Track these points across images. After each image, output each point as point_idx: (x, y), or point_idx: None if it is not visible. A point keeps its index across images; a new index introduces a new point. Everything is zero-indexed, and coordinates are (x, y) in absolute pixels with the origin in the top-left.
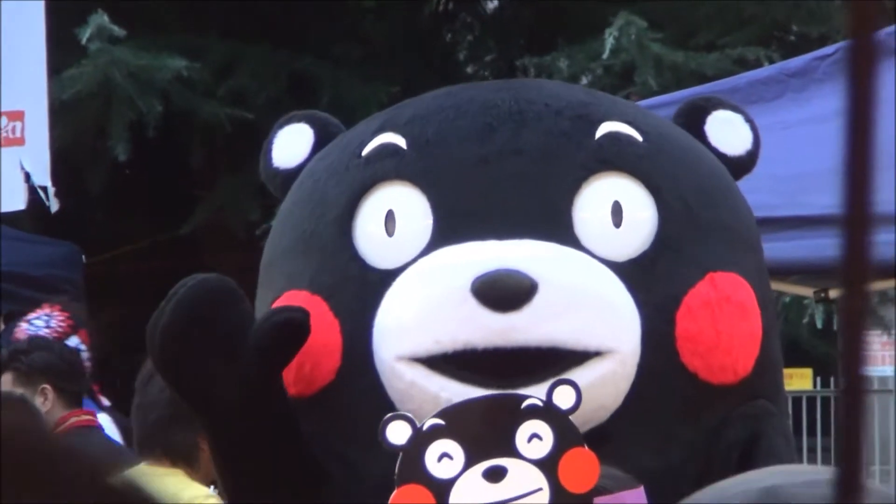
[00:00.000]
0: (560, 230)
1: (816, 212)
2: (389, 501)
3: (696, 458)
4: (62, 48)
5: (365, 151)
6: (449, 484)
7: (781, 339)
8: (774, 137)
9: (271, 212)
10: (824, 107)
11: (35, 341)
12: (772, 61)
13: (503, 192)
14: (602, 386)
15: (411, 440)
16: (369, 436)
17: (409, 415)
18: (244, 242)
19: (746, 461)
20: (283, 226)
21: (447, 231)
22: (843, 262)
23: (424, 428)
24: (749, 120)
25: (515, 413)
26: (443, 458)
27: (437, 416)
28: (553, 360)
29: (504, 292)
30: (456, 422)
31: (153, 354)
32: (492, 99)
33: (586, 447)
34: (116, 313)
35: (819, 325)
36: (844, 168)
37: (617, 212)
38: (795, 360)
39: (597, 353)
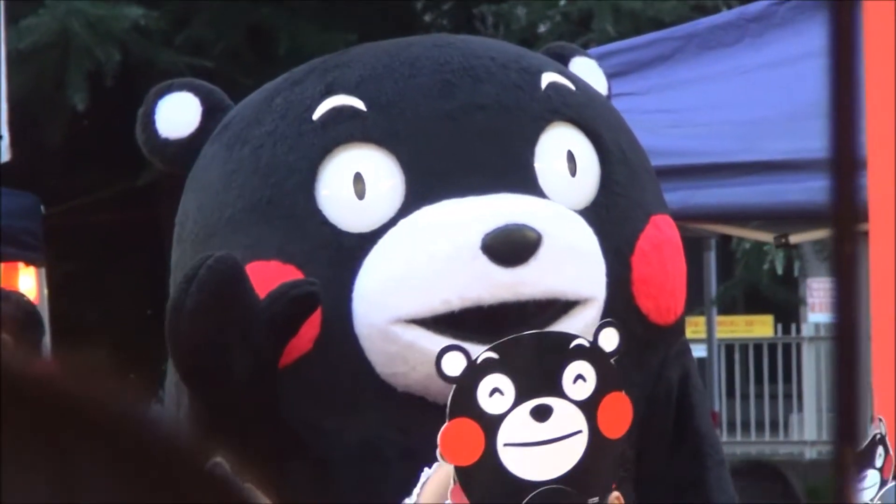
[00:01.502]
0: (527, 182)
1: (775, 157)
2: (441, 433)
3: (642, 400)
4: None
5: (316, 115)
6: (499, 419)
7: (742, 286)
8: (733, 82)
9: None
10: (783, 52)
11: None
12: (729, 7)
13: (472, 148)
14: (585, 334)
15: (465, 372)
16: (347, 403)
17: (464, 346)
18: None
19: (679, 397)
20: (219, 195)
21: (422, 190)
22: (832, 206)
23: (479, 360)
24: (601, 67)
25: (564, 352)
26: (494, 392)
27: (491, 349)
28: (542, 311)
29: (515, 247)
30: (508, 356)
31: (177, 337)
32: (440, 56)
33: (623, 392)
34: (75, 264)
35: (779, 271)
36: (830, 112)
37: (571, 161)
38: (756, 307)
39: (582, 302)
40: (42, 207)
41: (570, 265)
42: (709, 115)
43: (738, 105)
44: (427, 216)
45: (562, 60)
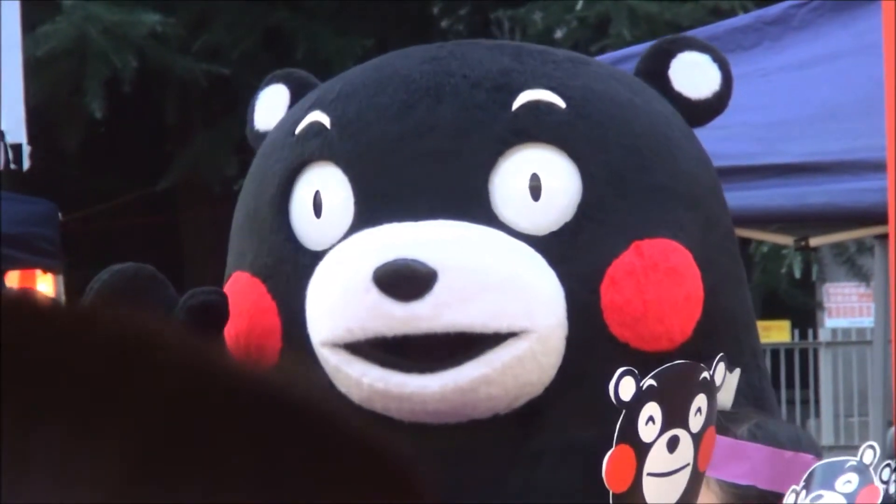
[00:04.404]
0: (476, 208)
1: (795, 159)
2: (607, 457)
3: None
4: (36, 4)
5: (297, 129)
6: (648, 447)
7: (759, 291)
8: (752, 85)
9: (247, 167)
10: (802, 54)
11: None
12: (746, 10)
13: (418, 171)
14: (520, 365)
15: (634, 398)
16: None
17: (635, 370)
18: (220, 197)
19: None
20: (240, 200)
21: (366, 213)
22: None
23: (644, 387)
24: (719, 59)
25: (694, 384)
26: (649, 421)
27: (652, 377)
28: (467, 344)
29: (402, 282)
30: (664, 385)
31: None
32: (412, 74)
33: (714, 426)
34: (92, 270)
35: (797, 274)
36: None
37: (535, 184)
38: (773, 312)
39: (512, 334)
40: (60, 214)
41: (479, 298)
42: (728, 118)
43: (757, 108)
44: (349, 244)
45: (667, 56)
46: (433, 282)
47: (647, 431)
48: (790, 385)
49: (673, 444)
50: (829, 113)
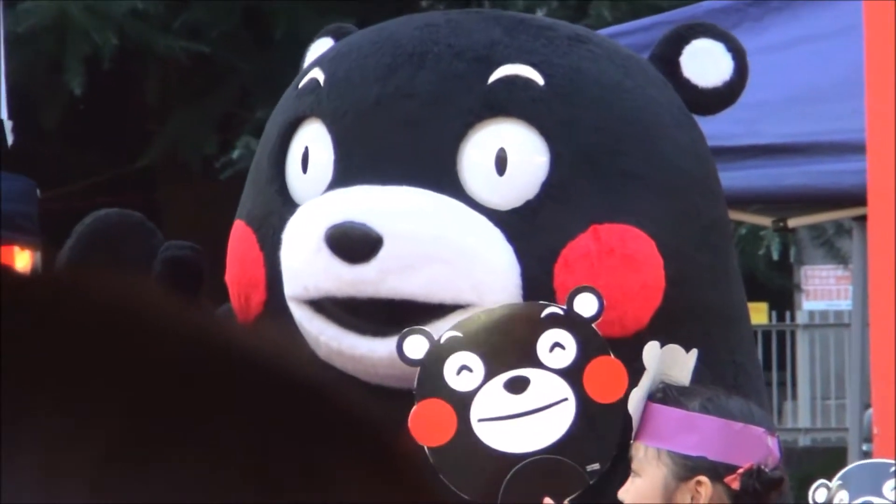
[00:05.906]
0: (444, 177)
1: (775, 140)
2: (410, 416)
3: None
4: None
5: (301, 84)
6: (470, 396)
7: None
8: None
9: (228, 145)
10: (782, 35)
11: None
12: None
13: (393, 136)
14: None
15: (429, 354)
16: None
17: (427, 329)
18: (200, 176)
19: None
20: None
21: (344, 173)
22: None
23: (442, 341)
24: (734, 48)
25: (535, 322)
26: (462, 370)
27: (454, 328)
28: (415, 313)
29: (348, 244)
30: (473, 333)
31: None
32: (402, 38)
33: (612, 356)
34: None
35: (775, 256)
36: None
37: (501, 159)
38: (751, 294)
39: (458, 307)
40: (38, 191)
41: (424, 268)
42: None
43: None
44: (318, 201)
45: (680, 42)
46: (378, 247)
47: (462, 381)
48: (767, 367)
49: (518, 385)
50: (809, 94)
